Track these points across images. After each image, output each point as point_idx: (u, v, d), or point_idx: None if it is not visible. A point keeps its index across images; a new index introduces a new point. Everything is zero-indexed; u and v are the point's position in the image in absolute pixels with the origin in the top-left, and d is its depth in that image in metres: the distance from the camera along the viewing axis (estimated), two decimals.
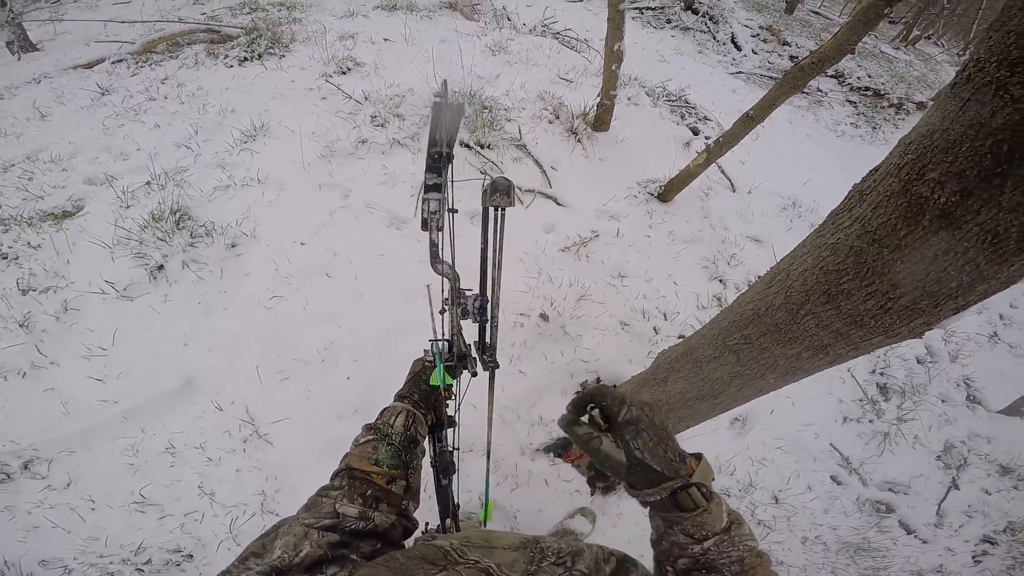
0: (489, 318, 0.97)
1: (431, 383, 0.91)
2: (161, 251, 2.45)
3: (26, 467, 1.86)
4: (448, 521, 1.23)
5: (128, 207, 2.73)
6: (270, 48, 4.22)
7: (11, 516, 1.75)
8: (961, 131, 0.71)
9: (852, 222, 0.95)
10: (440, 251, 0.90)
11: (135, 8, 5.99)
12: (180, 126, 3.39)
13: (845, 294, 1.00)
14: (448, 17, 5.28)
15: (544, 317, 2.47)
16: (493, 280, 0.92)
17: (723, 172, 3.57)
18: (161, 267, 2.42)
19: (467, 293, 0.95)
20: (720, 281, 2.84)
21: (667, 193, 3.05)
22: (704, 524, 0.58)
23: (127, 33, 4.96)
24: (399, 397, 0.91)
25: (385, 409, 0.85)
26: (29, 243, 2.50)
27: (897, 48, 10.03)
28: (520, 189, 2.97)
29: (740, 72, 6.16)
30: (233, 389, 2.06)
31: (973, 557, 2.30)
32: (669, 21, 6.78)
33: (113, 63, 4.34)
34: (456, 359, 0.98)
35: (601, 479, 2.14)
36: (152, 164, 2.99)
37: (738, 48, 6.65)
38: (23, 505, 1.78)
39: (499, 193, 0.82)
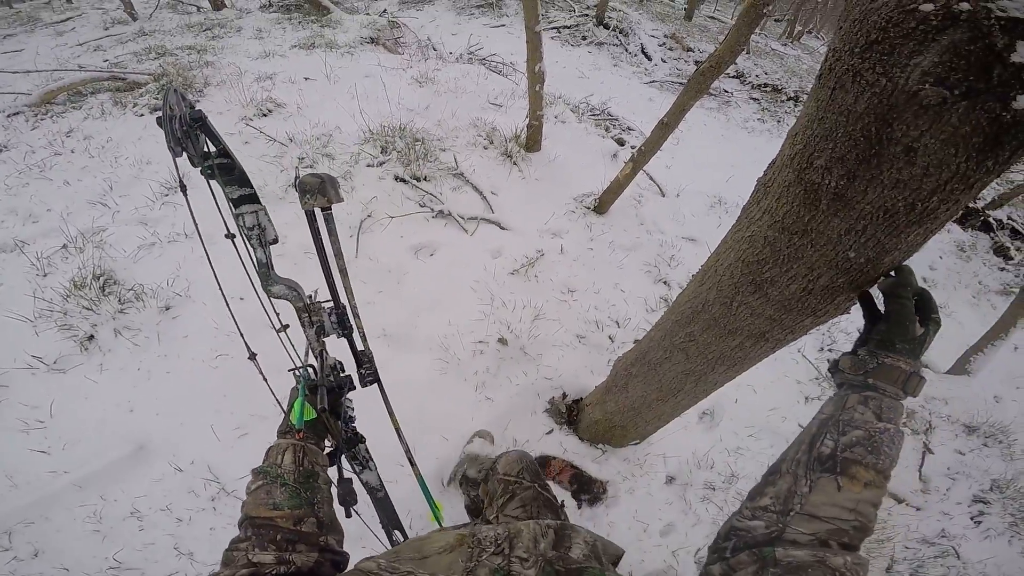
0: (353, 327, 0.88)
1: (292, 422, 0.79)
2: (89, 320, 2.29)
3: None
4: (396, 533, 1.17)
5: (45, 275, 2.52)
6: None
7: None
8: (834, 119, 0.74)
9: (762, 214, 0.99)
10: (272, 270, 0.82)
11: (29, 56, 5.48)
12: (92, 182, 3.13)
13: (769, 282, 1.04)
14: (371, 52, 5.20)
15: (503, 341, 2.45)
16: (345, 287, 0.84)
17: (651, 179, 3.71)
18: (91, 337, 2.26)
19: (323, 306, 0.88)
20: (664, 283, 2.94)
21: (602, 205, 3.13)
22: (899, 411, 0.66)
23: (21, 83, 4.52)
24: (282, 433, 0.81)
25: (270, 448, 0.76)
26: None
27: (785, 44, 10.89)
28: (463, 217, 2.95)
29: (653, 81, 6.47)
30: (190, 449, 1.98)
31: (972, 519, 2.39)
32: (584, 38, 7.03)
33: (9, 116, 3.95)
34: (320, 382, 0.84)
35: (585, 492, 2.14)
36: (66, 225, 2.76)
37: (648, 58, 6.98)
38: None
39: (310, 194, 0.74)
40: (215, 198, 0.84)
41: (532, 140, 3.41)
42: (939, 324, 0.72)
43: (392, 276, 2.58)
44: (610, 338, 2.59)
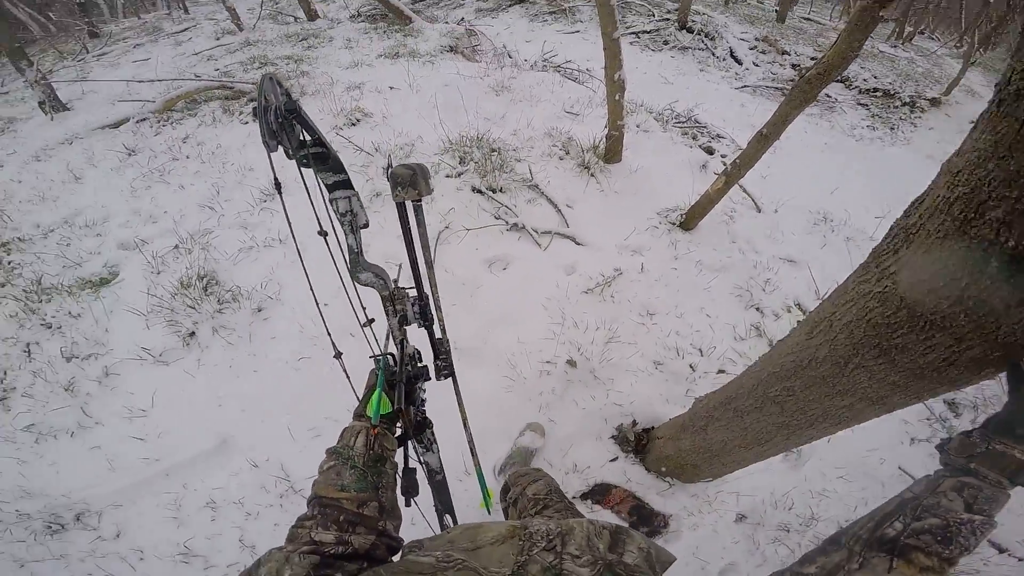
0: (433, 319, 0.88)
1: (368, 414, 0.78)
2: (191, 318, 2.47)
3: (78, 519, 1.91)
4: (447, 517, 1.18)
5: (159, 273, 2.74)
6: None
7: (66, 564, 1.80)
8: None
9: (900, 267, 0.80)
10: (362, 256, 0.81)
11: (153, 66, 6.10)
12: (203, 186, 3.37)
13: (900, 348, 0.85)
14: (450, 61, 5.23)
15: (572, 363, 2.29)
16: (429, 279, 0.84)
17: (746, 192, 3.37)
18: (193, 333, 2.45)
19: (408, 294, 0.87)
20: (757, 309, 2.62)
21: (689, 221, 2.86)
22: (999, 502, 0.61)
23: (147, 92, 5.02)
24: (357, 415, 0.81)
25: (345, 430, 0.77)
26: (70, 312, 2.56)
27: (895, 46, 9.80)
28: (537, 231, 2.82)
29: (746, 86, 5.99)
30: (267, 447, 2.05)
31: None
32: (666, 43, 6.67)
33: (137, 122, 4.37)
34: (399, 378, 0.83)
35: (644, 524, 1.95)
36: (178, 227, 3.00)
37: (738, 62, 6.50)
38: (76, 554, 1.82)
39: (402, 186, 0.73)
40: (308, 189, 0.82)
41: (612, 151, 3.20)
42: None
43: (466, 289, 2.50)
44: (691, 367, 2.34)
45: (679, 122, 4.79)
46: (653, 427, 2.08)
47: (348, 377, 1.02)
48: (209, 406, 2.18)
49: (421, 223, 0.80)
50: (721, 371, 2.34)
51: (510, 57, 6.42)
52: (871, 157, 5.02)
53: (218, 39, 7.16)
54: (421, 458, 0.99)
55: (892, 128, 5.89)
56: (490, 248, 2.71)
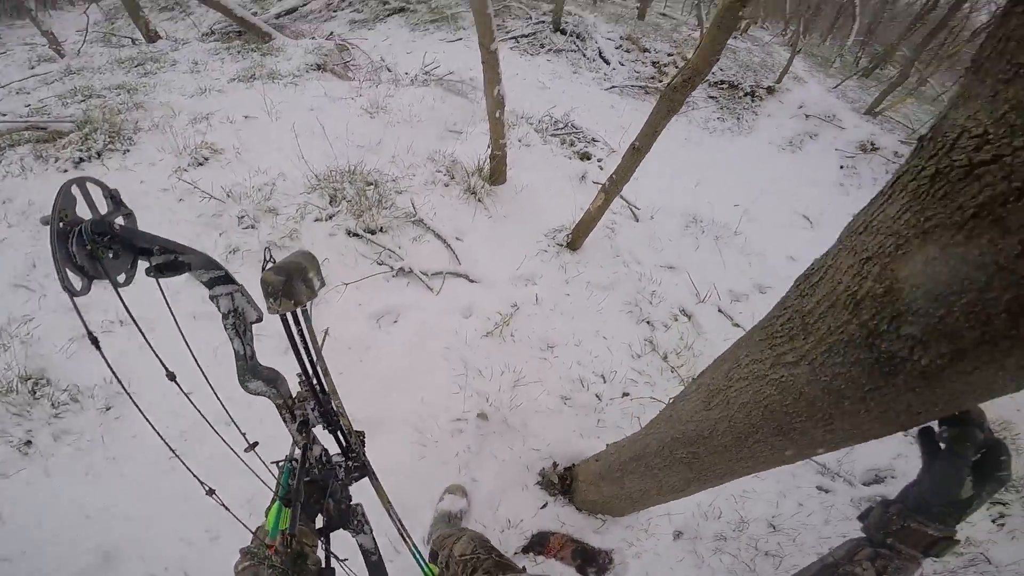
0: (337, 418, 0.82)
1: (267, 527, 0.71)
2: (22, 427, 2.03)
3: None
4: None
5: None
6: (110, 143, 3.54)
7: None
8: (961, 276, 0.49)
9: (798, 359, 0.77)
10: (252, 360, 0.73)
11: None
12: (14, 257, 2.70)
13: (800, 431, 0.85)
14: (316, 81, 4.80)
15: (483, 416, 2.20)
16: (325, 385, 0.78)
17: (626, 202, 3.49)
18: (29, 442, 2.01)
19: (306, 396, 0.80)
20: (647, 323, 2.72)
21: (575, 241, 2.89)
22: (908, 573, 0.65)
23: None
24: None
25: (259, 528, 0.73)
26: None
27: (735, 37, 10.84)
28: (427, 273, 2.67)
29: (613, 87, 6.26)
30: (162, 555, 1.79)
31: (993, 521, 2.27)
32: (543, 46, 6.75)
33: None
34: (297, 490, 0.73)
35: (590, 565, 1.94)
36: None
37: (607, 62, 6.77)
38: None
39: (274, 297, 0.62)
40: (163, 293, 0.74)
41: (496, 172, 3.14)
42: (1004, 482, 0.63)
43: (353, 353, 2.29)
44: (597, 396, 2.37)
45: (557, 129, 4.88)
46: (574, 464, 2.05)
47: (229, 511, 0.89)
48: (76, 518, 1.85)
49: (309, 328, 0.70)
50: (625, 393, 2.39)
51: (389, 71, 6.10)
52: (723, 148, 5.51)
53: (32, 68, 5.98)
54: (355, 538, 0.92)
55: (738, 118, 6.51)
56: (375, 300, 2.51)
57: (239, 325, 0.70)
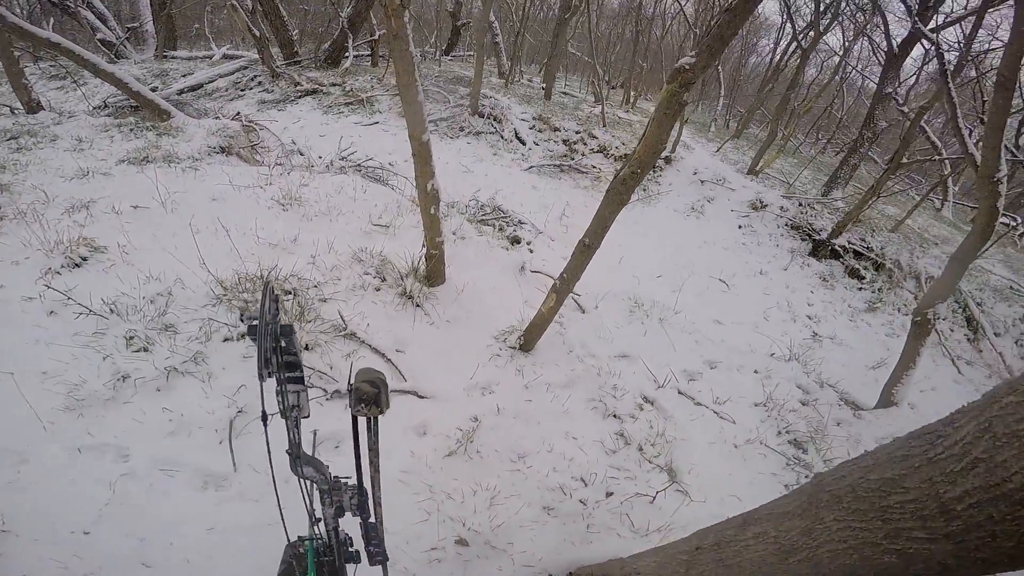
0: (371, 512, 0.90)
1: None
2: None
3: None
4: None
5: None
6: None
7: None
8: None
9: (936, 537, 0.73)
10: (300, 450, 0.82)
11: None
12: None
13: None
14: (220, 166, 4.31)
15: (462, 542, 1.86)
16: (372, 480, 0.87)
17: (573, 295, 3.35)
18: None
19: (345, 487, 0.89)
20: (614, 416, 2.54)
21: (528, 343, 2.66)
22: None
23: None
24: None
25: None
26: None
27: (627, 111, 11.93)
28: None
29: (532, 167, 6.41)
30: None
31: None
32: (462, 129, 6.81)
33: None
34: (336, 557, 0.89)
35: None
36: None
37: (523, 143, 6.97)
38: None
39: (365, 404, 0.77)
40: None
41: (434, 272, 2.86)
42: None
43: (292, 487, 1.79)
44: (581, 502, 2.12)
45: (485, 214, 4.77)
46: (570, 573, 1.89)
47: None
48: None
49: (375, 437, 0.83)
50: (609, 493, 2.19)
51: (301, 155, 5.72)
52: (636, 220, 5.76)
53: None
54: None
55: (644, 189, 6.94)
56: (310, 426, 2.03)
57: (298, 418, 0.81)
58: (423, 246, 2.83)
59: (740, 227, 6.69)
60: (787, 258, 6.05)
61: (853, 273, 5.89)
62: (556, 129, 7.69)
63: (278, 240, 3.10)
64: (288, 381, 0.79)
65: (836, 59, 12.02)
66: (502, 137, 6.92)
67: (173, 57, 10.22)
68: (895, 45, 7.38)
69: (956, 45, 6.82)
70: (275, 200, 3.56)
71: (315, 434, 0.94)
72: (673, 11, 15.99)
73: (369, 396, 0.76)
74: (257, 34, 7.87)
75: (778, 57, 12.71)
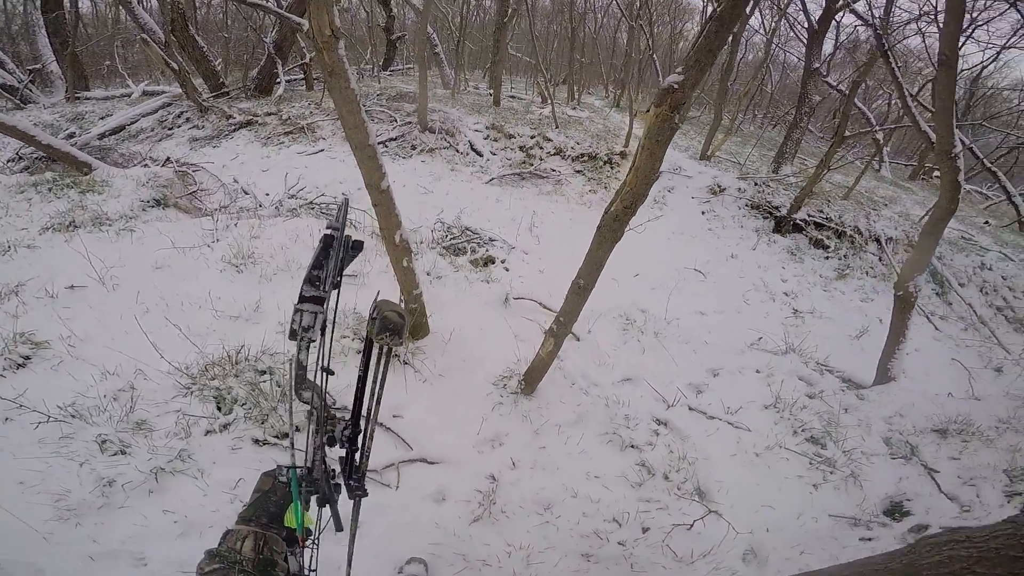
0: (360, 446, 0.89)
1: (286, 524, 0.81)
2: None
3: None
4: None
5: None
6: None
7: None
8: None
9: None
10: (306, 373, 0.82)
11: None
12: None
13: None
14: (159, 223, 3.89)
15: None
16: (370, 410, 0.87)
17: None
18: None
19: (335, 417, 0.88)
20: (632, 447, 2.41)
21: (529, 386, 2.49)
22: None
23: None
24: (243, 519, 0.80)
25: (228, 532, 0.74)
26: None
27: (574, 108, 11.91)
28: (377, 470, 2.08)
29: (493, 179, 6.22)
30: None
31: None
32: (414, 147, 6.52)
33: None
34: (317, 488, 0.87)
35: None
36: None
37: (479, 154, 6.77)
38: None
39: (389, 332, 0.77)
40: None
41: (417, 326, 2.65)
42: None
43: None
44: (620, 544, 2.01)
45: (453, 238, 4.56)
46: None
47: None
48: None
49: (386, 369, 0.82)
50: (646, 528, 2.09)
51: (246, 194, 5.30)
52: (595, 221, 5.68)
53: None
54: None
55: (606, 187, 6.89)
56: (321, 516, 1.85)
57: (310, 338, 0.79)
58: (401, 299, 2.60)
59: (703, 213, 6.75)
60: (754, 238, 6.15)
61: (818, 244, 6.06)
62: (511, 136, 7.52)
63: (238, 310, 2.79)
64: (310, 300, 0.78)
65: (761, 38, 12.45)
66: (457, 151, 6.69)
67: (87, 98, 9.36)
68: (814, 22, 7.65)
69: (874, 19, 7.11)
70: (226, 261, 3.22)
71: (326, 368, 0.82)
72: (605, 3, 16.12)
73: (396, 325, 0.76)
74: (175, 67, 7.27)
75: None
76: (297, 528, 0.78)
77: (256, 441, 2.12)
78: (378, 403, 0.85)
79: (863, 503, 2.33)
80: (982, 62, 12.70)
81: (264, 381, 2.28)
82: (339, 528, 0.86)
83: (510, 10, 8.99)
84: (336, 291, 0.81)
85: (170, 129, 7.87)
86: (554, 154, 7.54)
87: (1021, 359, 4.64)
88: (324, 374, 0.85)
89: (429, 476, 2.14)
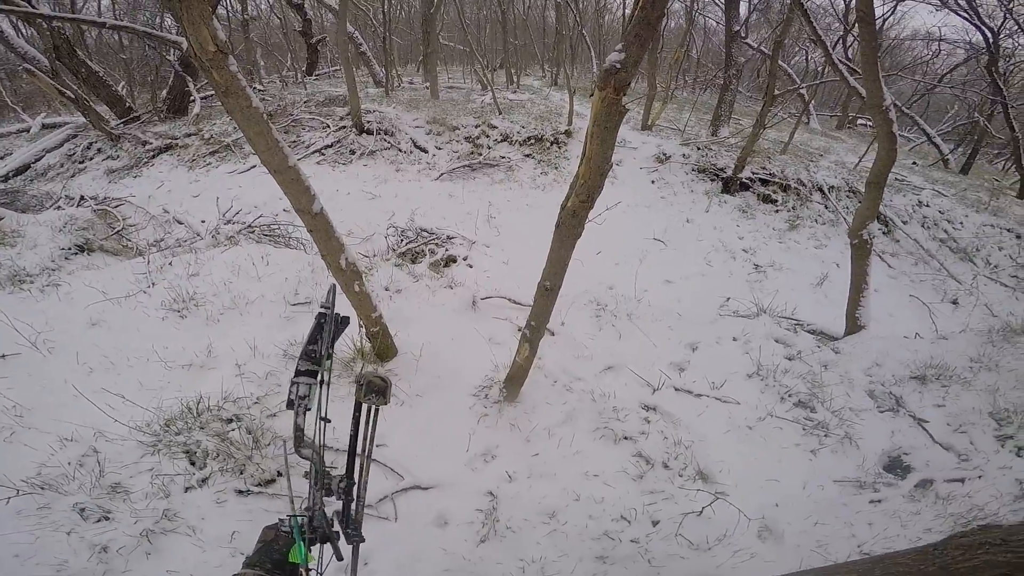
0: (355, 497, 0.98)
1: (290, 559, 0.86)
2: None
3: None
4: None
5: None
6: None
7: None
8: None
9: None
10: (303, 435, 0.91)
11: None
12: None
13: None
14: (86, 271, 3.51)
15: None
16: (362, 466, 0.98)
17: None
18: None
19: (331, 473, 0.97)
20: (626, 438, 2.37)
21: (511, 392, 2.40)
22: None
23: None
24: (248, 564, 0.85)
25: None
26: None
27: (515, 92, 11.72)
28: (372, 506, 1.95)
29: (442, 174, 6.02)
30: None
31: None
32: (353, 152, 6.19)
33: None
34: (318, 534, 0.92)
35: None
36: None
37: (424, 151, 6.53)
38: None
39: (375, 394, 0.91)
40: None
41: (383, 348, 2.49)
42: None
43: None
44: (633, 541, 1.97)
45: (409, 242, 4.38)
46: None
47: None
48: None
49: (373, 428, 0.96)
50: (656, 521, 2.06)
51: (180, 224, 4.89)
52: (556, 201, 5.60)
53: None
54: None
55: (556, 168, 6.83)
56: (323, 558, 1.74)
57: (306, 405, 0.91)
58: (360, 325, 2.44)
59: (653, 182, 6.80)
60: (705, 201, 6.26)
61: (766, 199, 6.24)
62: (455, 128, 7.28)
63: (189, 358, 2.55)
64: (305, 374, 0.89)
65: (681, 5, 12.60)
66: (400, 150, 6.42)
67: None
68: None
69: None
70: (167, 308, 2.93)
71: (324, 423, 0.93)
72: None
73: (379, 387, 0.89)
74: (71, 96, 6.58)
75: (628, 10, 13.08)
76: (300, 561, 0.84)
77: (239, 492, 1.97)
78: (369, 458, 0.96)
79: (863, 463, 2.32)
80: (883, 15, 13.41)
81: (232, 430, 2.10)
82: (340, 558, 0.90)
83: (436, 0, 8.64)
84: (329, 360, 0.91)
85: (81, 163, 7.17)
86: (501, 141, 7.37)
87: (973, 288, 4.95)
88: (323, 423, 0.94)
89: (426, 502, 2.02)
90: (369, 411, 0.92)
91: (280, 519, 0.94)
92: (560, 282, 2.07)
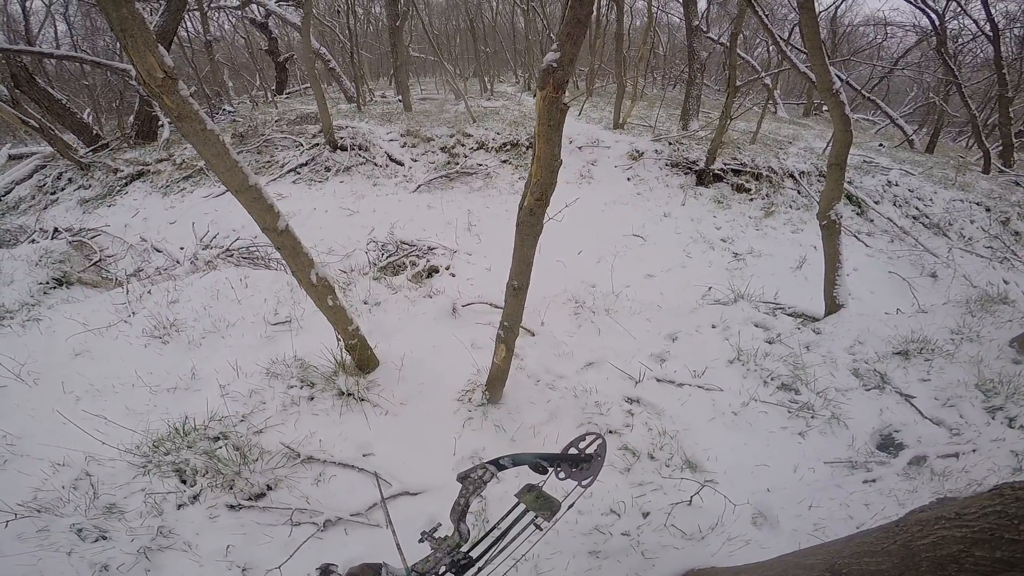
0: None
1: None
2: None
3: None
4: None
5: None
6: None
7: None
8: None
9: None
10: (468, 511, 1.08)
11: None
12: None
13: None
14: (66, 304, 3.50)
15: None
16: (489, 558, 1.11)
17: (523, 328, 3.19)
18: None
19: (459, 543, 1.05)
20: (610, 432, 2.43)
21: (494, 395, 2.45)
22: None
23: None
24: None
25: None
26: None
27: (489, 99, 11.84)
28: (362, 514, 1.99)
29: (420, 186, 6.08)
30: None
31: None
32: (328, 169, 6.23)
33: None
34: None
35: None
36: None
37: (400, 164, 6.58)
38: None
39: (545, 510, 1.08)
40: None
41: (363, 359, 2.53)
42: None
43: None
44: (624, 534, 1.99)
45: (390, 255, 4.43)
46: None
47: None
48: None
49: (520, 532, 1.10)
50: (646, 513, 2.08)
51: (159, 252, 4.87)
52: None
53: None
54: None
55: (524, 168, 6.93)
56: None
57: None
58: (339, 340, 2.48)
59: (629, 179, 6.95)
60: (680, 194, 6.41)
61: (740, 188, 6.42)
62: (429, 139, 7.36)
63: (174, 382, 2.58)
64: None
65: (643, 3, 12.86)
66: (376, 164, 6.47)
67: None
68: None
69: None
70: (149, 335, 2.95)
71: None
72: None
73: (551, 504, 1.01)
74: (35, 125, 6.53)
75: (594, 12, 13.31)
76: None
77: (230, 506, 1.99)
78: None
79: (853, 443, 2.32)
80: (835, 2, 13.83)
81: (220, 447, 2.13)
82: None
83: (401, 12, 8.73)
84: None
85: (53, 193, 7.09)
86: (477, 148, 7.46)
87: (949, 260, 5.12)
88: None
89: (417, 507, 2.05)
90: (525, 516, 1.04)
91: (385, 562, 0.99)
92: (527, 280, 2.14)
